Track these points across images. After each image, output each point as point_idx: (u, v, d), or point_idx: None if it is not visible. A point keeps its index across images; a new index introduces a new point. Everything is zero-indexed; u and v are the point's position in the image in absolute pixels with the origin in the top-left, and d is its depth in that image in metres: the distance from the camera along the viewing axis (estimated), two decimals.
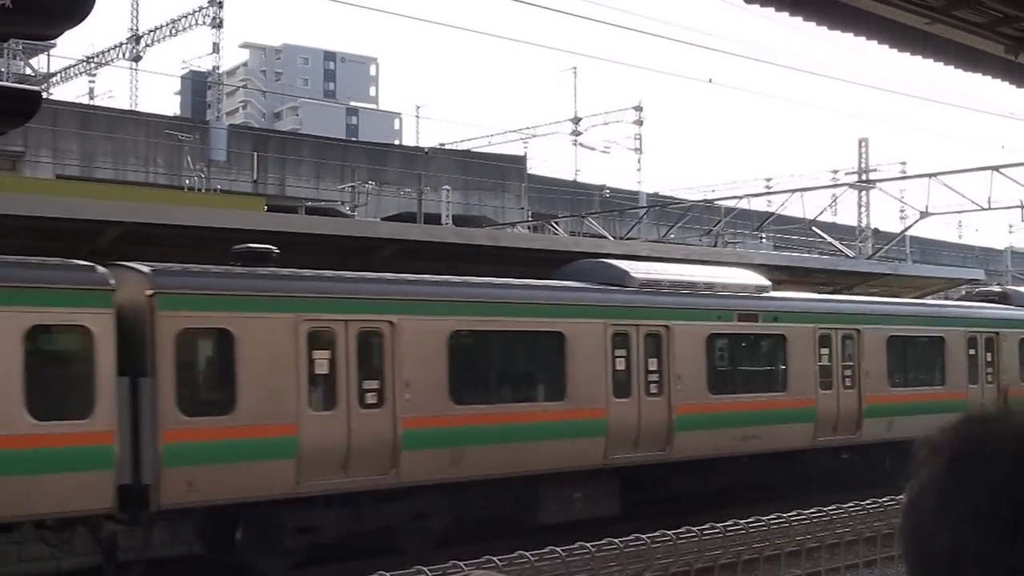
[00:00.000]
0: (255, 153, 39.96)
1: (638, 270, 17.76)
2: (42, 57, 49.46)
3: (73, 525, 12.51)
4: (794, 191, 33.17)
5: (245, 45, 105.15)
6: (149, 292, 12.51)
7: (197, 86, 61.19)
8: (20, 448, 11.51)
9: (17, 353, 11.59)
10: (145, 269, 12.80)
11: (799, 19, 9.23)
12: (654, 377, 16.79)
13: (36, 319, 11.81)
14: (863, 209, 41.08)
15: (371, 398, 13.87)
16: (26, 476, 11.48)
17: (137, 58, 45.47)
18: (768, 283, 19.66)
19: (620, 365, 16.42)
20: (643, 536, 12.01)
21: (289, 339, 13.26)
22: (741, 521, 12.95)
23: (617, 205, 44.35)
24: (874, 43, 9.56)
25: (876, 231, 41.26)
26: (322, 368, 13.55)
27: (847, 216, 44.22)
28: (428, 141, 68.98)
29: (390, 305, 14.26)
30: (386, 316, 14.12)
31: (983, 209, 29.00)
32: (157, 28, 44.74)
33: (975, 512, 0.99)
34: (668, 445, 16.84)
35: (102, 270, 12.37)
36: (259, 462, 12.98)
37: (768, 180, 55.23)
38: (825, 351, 19.37)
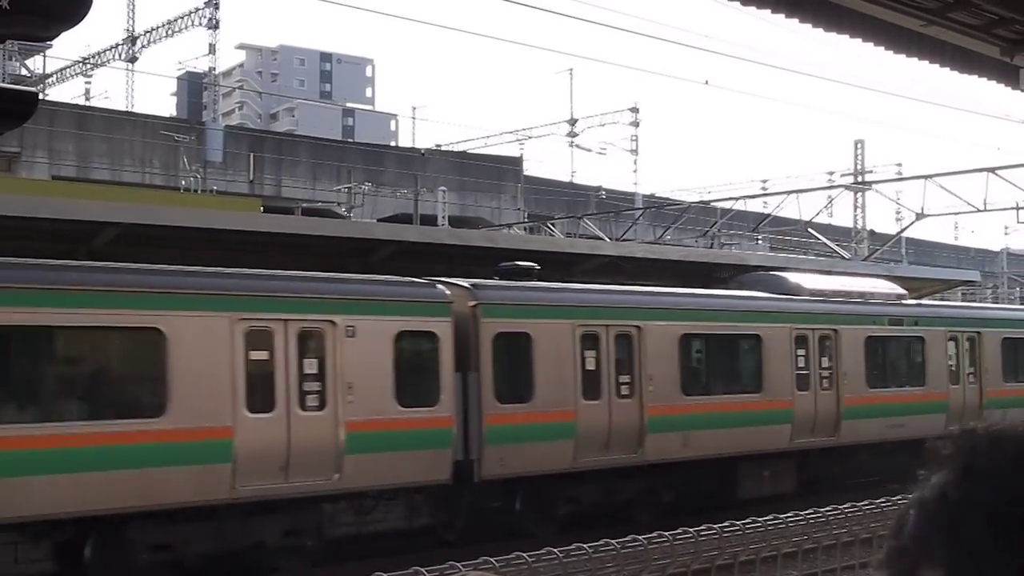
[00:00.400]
0: (251, 154, 39.93)
1: (807, 282, 20.89)
2: (38, 58, 49.41)
3: (417, 492, 15.40)
4: (790, 192, 33.21)
5: (241, 46, 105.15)
6: (472, 303, 15.32)
7: (193, 87, 61.20)
8: (390, 430, 14.23)
9: (389, 353, 14.34)
10: (467, 284, 15.58)
11: (795, 21, 9.26)
12: (826, 373, 19.75)
13: (402, 326, 14.58)
14: (859, 210, 41.12)
15: (624, 390, 16.69)
16: (392, 453, 14.20)
17: (133, 59, 45.43)
18: (905, 292, 22.84)
19: (800, 363, 19.34)
20: (640, 537, 12.02)
21: (568, 340, 16.13)
22: (738, 522, 12.97)
23: (613, 206, 44.36)
24: (870, 45, 9.59)
25: (872, 232, 41.28)
26: (590, 365, 16.34)
27: (843, 217, 44.24)
28: (424, 142, 69.11)
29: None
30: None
31: (979, 211, 29.03)
32: (153, 29, 44.71)
33: (959, 539, 0.99)
34: (837, 431, 19.74)
35: (441, 287, 15.23)
36: (548, 442, 15.71)
37: (764, 181, 55.35)
38: (953, 351, 22.53)
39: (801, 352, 19.28)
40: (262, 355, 13.30)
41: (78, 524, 12.53)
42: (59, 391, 12.77)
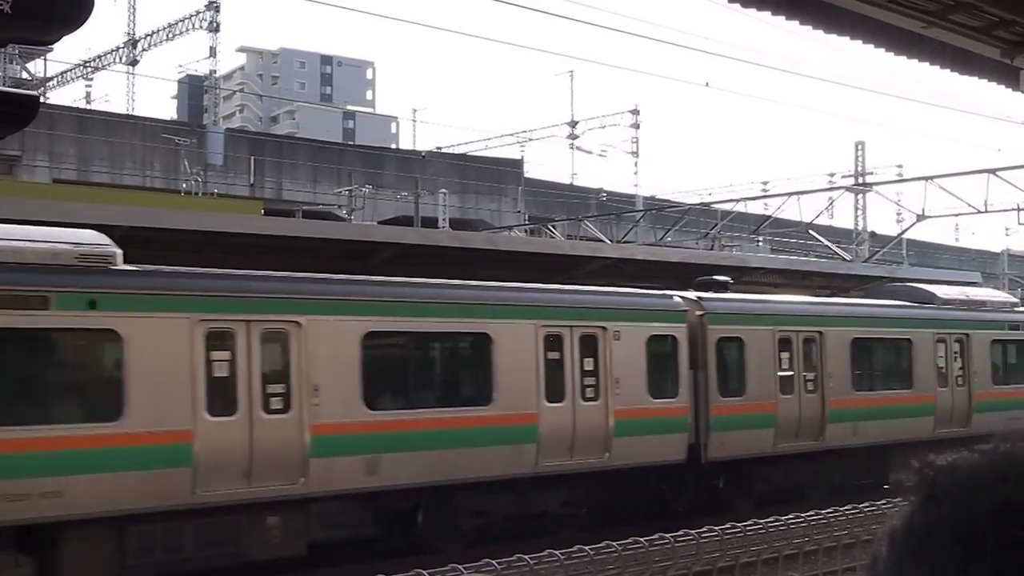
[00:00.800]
0: (252, 157, 39.96)
1: (941, 291, 23.15)
2: (39, 61, 49.44)
3: (655, 471, 17.51)
4: (791, 194, 33.20)
5: (242, 49, 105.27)
6: (700, 312, 18.02)
7: (194, 90, 61.24)
8: (646, 417, 16.77)
9: (643, 353, 16.94)
10: (694, 297, 18.42)
11: (796, 23, 9.27)
12: (959, 372, 22.31)
13: (652, 331, 17.21)
14: (860, 212, 41.16)
15: (810, 387, 19.32)
16: (646, 436, 16.73)
17: (134, 62, 45.48)
18: (1015, 299, 25.60)
19: (941, 363, 21.95)
20: (641, 539, 12.02)
21: (769, 344, 18.75)
22: (739, 524, 12.97)
23: (614, 208, 44.37)
24: (871, 47, 9.59)
25: (873, 234, 41.28)
26: (784, 364, 18.97)
27: (844, 219, 44.29)
28: (425, 145, 69.03)
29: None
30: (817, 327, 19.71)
31: (980, 212, 29.03)
32: (154, 32, 44.77)
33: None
34: (968, 423, 21.91)
35: (676, 298, 17.99)
36: (755, 430, 18.31)
37: (765, 183, 55.35)
38: None
39: (940, 353, 22.09)
40: (554, 355, 15.95)
41: None
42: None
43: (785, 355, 18.97)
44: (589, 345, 16.26)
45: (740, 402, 18.19)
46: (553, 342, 15.88)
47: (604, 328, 16.42)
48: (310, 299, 13.92)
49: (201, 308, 13.01)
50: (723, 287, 19.89)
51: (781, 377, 18.79)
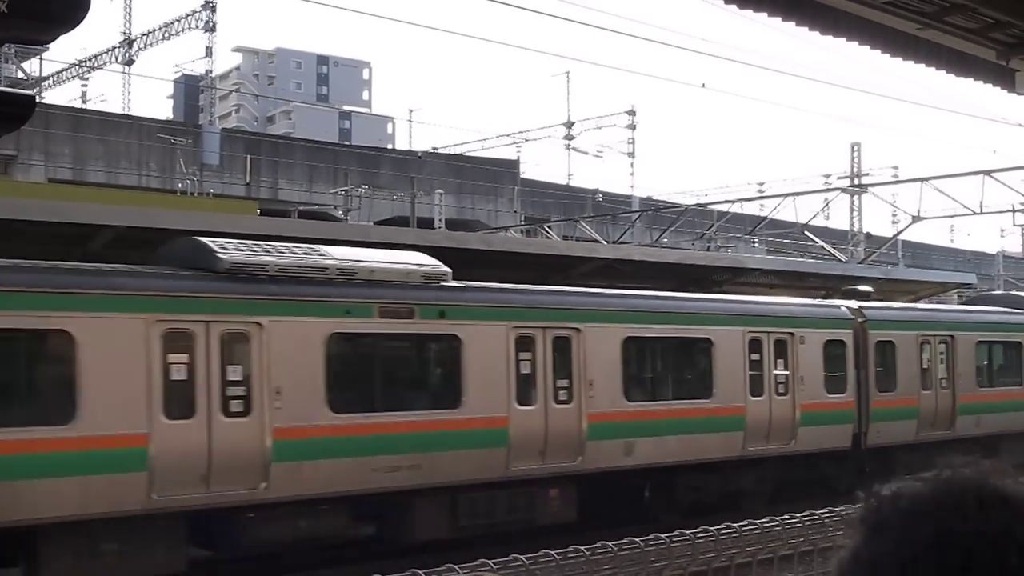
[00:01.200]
0: (248, 157, 39.94)
1: None
2: (34, 61, 49.40)
3: (824, 456, 19.71)
4: (787, 195, 33.25)
5: (238, 49, 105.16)
6: (861, 320, 20.74)
7: (190, 90, 61.14)
8: (823, 410, 19.44)
9: (820, 355, 19.63)
10: (855, 305, 21.07)
11: (792, 24, 9.27)
12: None
13: (827, 336, 19.87)
14: (855, 213, 41.17)
15: (943, 383, 21.81)
16: (823, 426, 19.39)
17: (130, 62, 45.42)
18: None
19: None
20: (637, 540, 12.02)
21: (914, 346, 21.36)
22: (735, 525, 12.98)
23: (610, 209, 44.39)
24: (867, 48, 9.60)
25: (868, 235, 41.29)
26: (926, 364, 21.61)
27: (839, 220, 44.28)
28: (421, 145, 68.96)
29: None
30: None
31: (975, 213, 29.09)
32: (150, 32, 44.74)
33: None
34: None
35: (844, 308, 20.72)
36: (902, 421, 21.00)
37: (761, 184, 55.41)
38: None
39: None
40: (755, 356, 18.61)
41: None
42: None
43: (925, 356, 21.81)
44: (781, 348, 18.99)
45: (892, 397, 20.97)
46: (755, 345, 18.64)
47: (792, 333, 19.20)
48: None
49: (511, 317, 15.53)
50: (867, 296, 22.72)
51: (922, 375, 21.65)
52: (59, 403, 12.17)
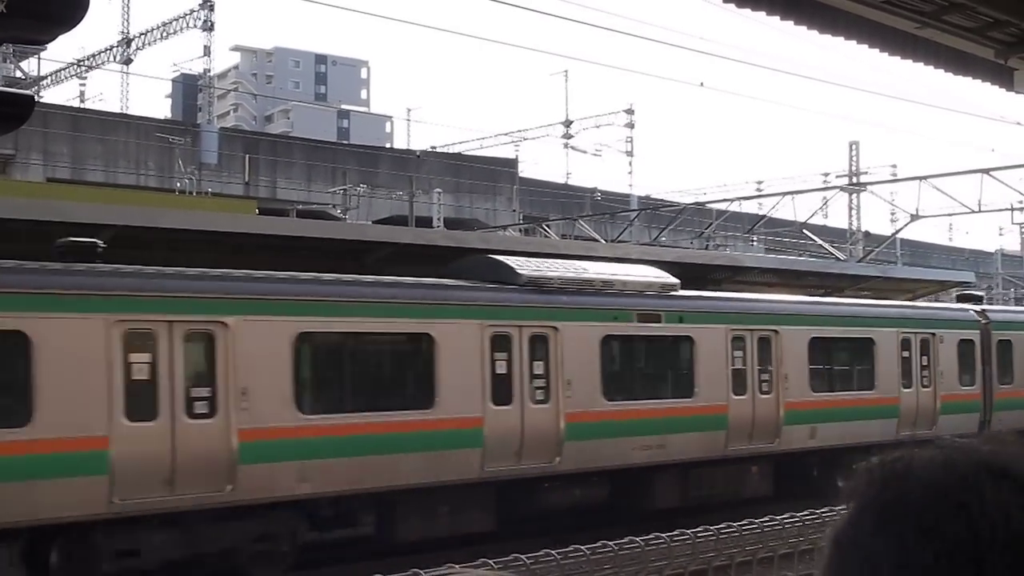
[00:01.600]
0: (246, 156, 39.90)
1: None
2: (33, 60, 49.34)
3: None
4: (785, 194, 33.23)
5: (236, 48, 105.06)
6: (985, 322, 23.56)
7: (188, 89, 61.07)
8: (958, 401, 22.31)
9: (955, 353, 22.51)
10: (979, 308, 24.10)
11: (790, 23, 9.27)
12: None
13: (961, 336, 22.71)
14: (854, 212, 41.16)
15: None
16: (956, 415, 21.97)
17: (128, 61, 45.37)
18: None
19: None
20: (637, 539, 12.02)
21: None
22: (735, 524, 12.99)
23: (608, 208, 44.38)
24: (865, 47, 9.60)
25: (867, 234, 41.29)
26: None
27: (838, 219, 44.22)
28: (419, 144, 68.98)
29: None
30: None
31: (973, 212, 29.09)
32: (148, 31, 44.67)
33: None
34: None
35: (972, 312, 23.59)
36: (1019, 411, 22.98)
37: (759, 183, 55.40)
38: None
39: None
40: (905, 354, 21.51)
41: None
42: None
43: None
44: (925, 346, 21.86)
45: (1011, 389, 23.80)
46: (904, 344, 21.56)
47: (934, 334, 22.08)
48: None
49: (728, 321, 18.08)
50: (979, 300, 25.55)
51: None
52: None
